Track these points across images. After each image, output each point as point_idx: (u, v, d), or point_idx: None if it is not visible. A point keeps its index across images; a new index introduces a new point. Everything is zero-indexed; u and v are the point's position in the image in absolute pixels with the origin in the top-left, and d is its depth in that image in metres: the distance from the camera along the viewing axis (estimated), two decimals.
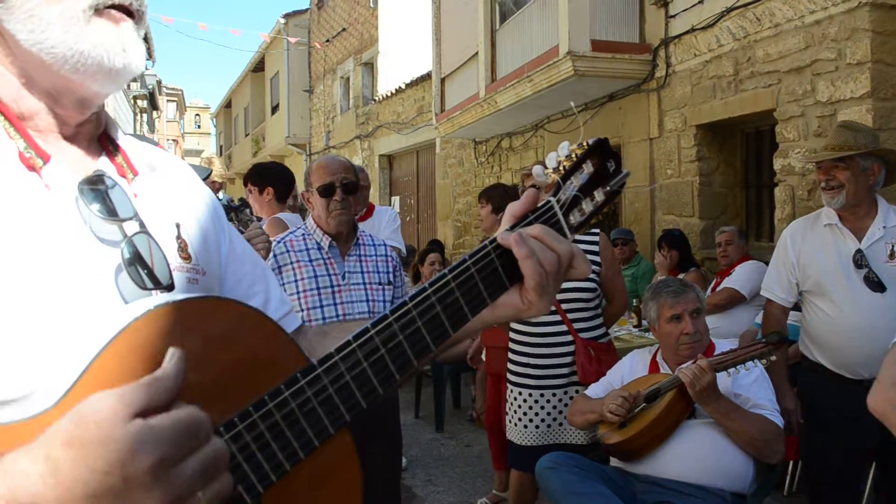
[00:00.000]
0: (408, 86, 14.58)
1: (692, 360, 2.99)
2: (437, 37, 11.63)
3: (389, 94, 15.65)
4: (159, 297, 0.82)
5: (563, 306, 3.56)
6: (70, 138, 0.95)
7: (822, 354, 3.26)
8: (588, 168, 1.01)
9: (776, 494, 4.35)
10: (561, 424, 3.55)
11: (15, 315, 0.79)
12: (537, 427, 3.56)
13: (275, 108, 23.82)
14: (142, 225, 0.93)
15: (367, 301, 2.95)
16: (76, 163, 0.94)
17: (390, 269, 3.08)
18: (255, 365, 0.84)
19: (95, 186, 0.90)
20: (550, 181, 1.02)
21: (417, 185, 15.62)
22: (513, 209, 1.00)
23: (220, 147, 35.79)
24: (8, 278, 0.79)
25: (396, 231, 5.36)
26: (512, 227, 0.98)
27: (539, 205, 1.00)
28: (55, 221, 0.86)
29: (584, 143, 1.03)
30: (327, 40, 19.57)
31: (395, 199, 16.09)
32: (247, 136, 28.40)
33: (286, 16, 21.69)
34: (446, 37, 11.33)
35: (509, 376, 3.71)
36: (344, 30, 18.63)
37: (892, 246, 3.12)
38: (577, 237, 1.03)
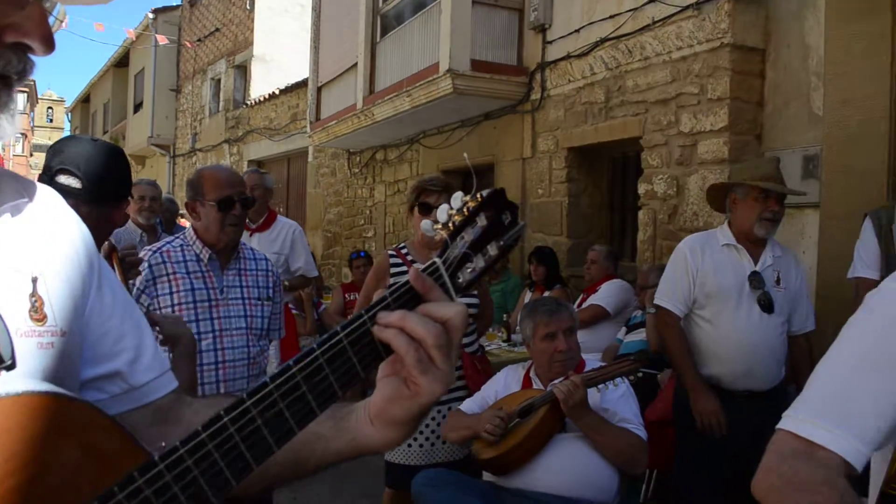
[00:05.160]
0: (282, 92, 14.30)
1: (564, 376, 3.07)
2: (315, 44, 11.48)
3: (262, 98, 15.29)
4: None
5: None
6: None
7: (701, 365, 3.47)
8: (482, 221, 0.94)
9: (633, 501, 4.52)
10: (444, 443, 3.47)
11: None
12: (421, 446, 3.47)
13: (138, 106, 22.67)
14: None
15: (245, 317, 2.85)
16: None
17: (270, 285, 2.98)
18: (87, 463, 0.76)
19: None
20: (438, 238, 0.94)
21: (287, 194, 15.32)
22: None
23: None
24: None
25: (310, 255, 5.19)
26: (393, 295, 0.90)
27: (424, 267, 0.93)
28: None
29: (479, 196, 0.95)
30: (199, 39, 18.90)
31: None
32: (105, 133, 26.83)
33: (155, 11, 20.61)
34: (325, 45, 11.20)
35: None
36: (217, 30, 18.06)
37: (779, 273, 3.46)
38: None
